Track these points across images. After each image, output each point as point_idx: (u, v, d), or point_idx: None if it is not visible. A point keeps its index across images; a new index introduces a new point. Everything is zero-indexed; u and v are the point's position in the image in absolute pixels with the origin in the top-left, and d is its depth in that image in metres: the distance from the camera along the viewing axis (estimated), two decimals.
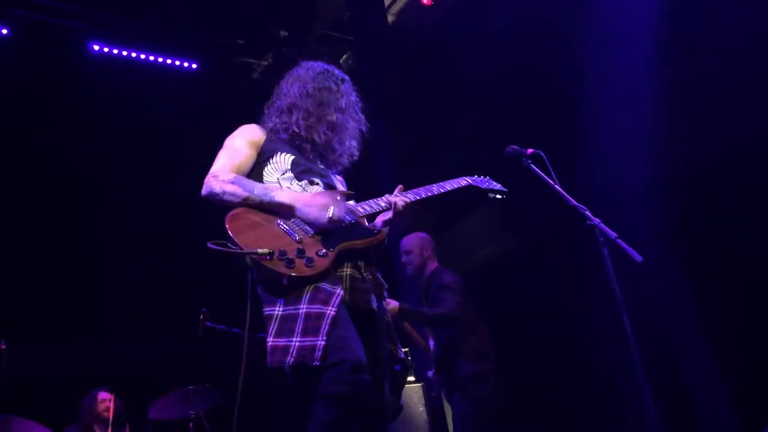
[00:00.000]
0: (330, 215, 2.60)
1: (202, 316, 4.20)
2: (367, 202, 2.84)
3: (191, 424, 4.98)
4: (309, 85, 2.94)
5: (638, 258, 2.65)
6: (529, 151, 3.11)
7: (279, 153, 2.80)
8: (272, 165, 2.77)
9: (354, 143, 3.01)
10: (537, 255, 6.08)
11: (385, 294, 2.78)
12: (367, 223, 2.79)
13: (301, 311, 2.44)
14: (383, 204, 2.83)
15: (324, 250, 2.54)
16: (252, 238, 2.49)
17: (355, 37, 7.27)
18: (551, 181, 2.99)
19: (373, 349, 2.60)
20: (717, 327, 4.94)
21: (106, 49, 6.43)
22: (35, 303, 6.14)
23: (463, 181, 3.20)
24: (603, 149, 5.42)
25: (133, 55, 6.57)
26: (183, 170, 4.29)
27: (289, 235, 2.55)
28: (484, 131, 6.04)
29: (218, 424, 5.06)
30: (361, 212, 2.77)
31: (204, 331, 4.18)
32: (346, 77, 3.09)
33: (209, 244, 2.42)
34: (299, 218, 2.61)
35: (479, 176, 3.33)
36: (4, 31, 5.97)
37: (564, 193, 2.95)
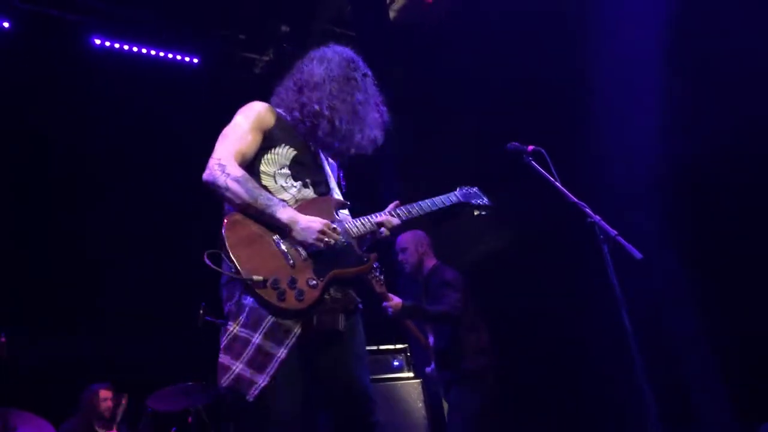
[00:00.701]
0: (329, 243, 2.57)
1: (202, 311, 4.24)
2: (360, 219, 2.80)
3: (190, 418, 4.99)
4: (335, 70, 2.89)
5: (638, 255, 2.64)
6: (530, 147, 3.11)
7: (282, 145, 2.75)
8: (272, 155, 2.73)
9: (377, 133, 2.96)
10: (536, 252, 6.08)
11: (360, 307, 2.76)
12: (357, 247, 2.74)
13: (254, 341, 2.44)
14: (375, 223, 2.80)
15: (315, 280, 2.52)
16: (247, 254, 2.47)
17: (356, 33, 7.27)
18: (552, 178, 2.99)
19: (336, 369, 2.60)
20: (716, 325, 4.95)
21: (107, 43, 6.44)
22: (35, 296, 6.14)
23: (453, 198, 3.18)
24: (604, 148, 5.42)
25: (135, 49, 6.57)
26: (183, 164, 4.28)
27: (284, 257, 2.53)
28: (486, 129, 6.03)
29: (217, 419, 5.07)
30: (354, 233, 2.74)
31: (203, 324, 4.21)
32: (369, 72, 3.05)
33: (205, 257, 2.42)
34: (296, 242, 2.57)
35: (469, 187, 3.32)
36: (6, 24, 5.97)
37: (564, 189, 2.95)
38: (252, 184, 2.59)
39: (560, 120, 5.54)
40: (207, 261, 2.42)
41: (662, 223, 5.23)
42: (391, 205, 2.92)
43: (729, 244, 4.84)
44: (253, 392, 2.39)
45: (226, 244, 2.47)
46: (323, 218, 2.64)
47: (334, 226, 2.62)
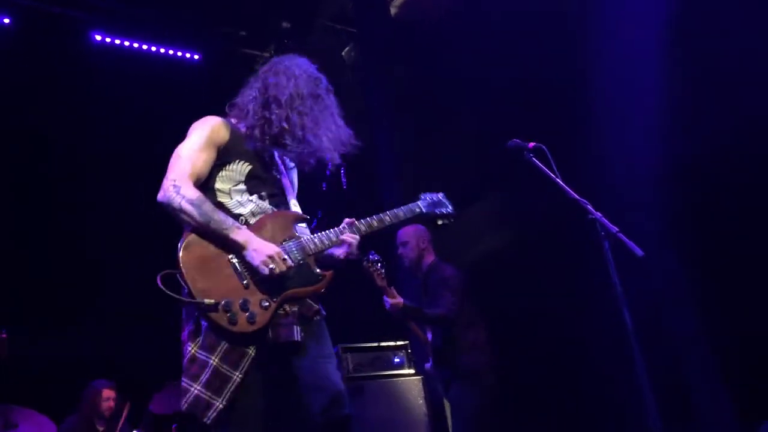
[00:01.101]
0: (274, 271, 2.57)
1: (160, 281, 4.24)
2: (318, 236, 2.79)
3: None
4: (303, 88, 2.89)
5: (639, 252, 2.65)
6: (531, 144, 3.11)
7: (237, 161, 2.76)
8: (227, 172, 2.75)
9: (336, 151, 2.94)
10: (536, 250, 6.08)
11: (323, 313, 2.77)
12: (314, 265, 2.74)
13: (211, 363, 2.49)
14: (333, 239, 2.79)
15: (267, 302, 2.56)
16: (201, 276, 2.50)
17: (357, 29, 7.27)
18: (552, 175, 2.99)
19: (304, 377, 2.59)
20: (717, 324, 4.95)
21: (108, 40, 6.43)
22: (36, 294, 6.15)
23: (416, 209, 3.15)
24: (604, 147, 5.42)
25: (135, 45, 6.56)
26: None
27: (238, 278, 2.56)
28: (486, 127, 6.03)
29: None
30: (311, 250, 2.74)
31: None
32: (332, 88, 3.06)
33: (158, 281, 2.45)
34: (247, 262, 2.59)
35: (433, 194, 3.29)
36: (6, 20, 5.96)
37: (565, 186, 2.95)
38: (207, 206, 2.61)
39: (561, 119, 5.53)
40: (160, 284, 2.44)
41: (663, 222, 5.23)
42: (346, 222, 2.89)
43: (729, 243, 4.84)
44: (210, 415, 2.43)
45: (181, 265, 2.50)
46: (282, 234, 2.69)
47: (285, 256, 2.62)
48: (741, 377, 4.81)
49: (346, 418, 2.59)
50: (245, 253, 2.58)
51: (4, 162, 6.10)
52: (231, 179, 2.75)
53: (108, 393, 5.41)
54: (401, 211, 3.06)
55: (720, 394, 4.98)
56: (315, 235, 2.80)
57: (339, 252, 2.83)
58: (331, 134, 2.91)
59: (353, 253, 2.83)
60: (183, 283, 2.49)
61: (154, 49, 6.66)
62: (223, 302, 2.47)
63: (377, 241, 4.66)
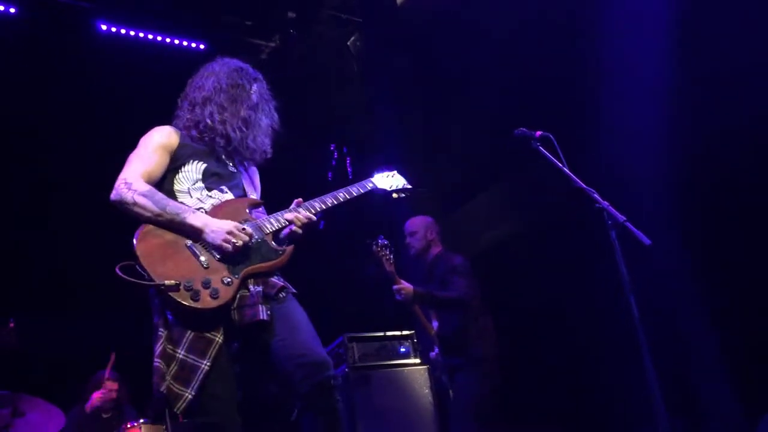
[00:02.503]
0: (235, 244, 2.59)
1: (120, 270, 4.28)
2: (273, 215, 2.84)
3: None
4: (223, 81, 2.98)
5: (647, 241, 2.64)
6: (538, 133, 3.10)
7: (191, 161, 2.82)
8: (183, 173, 2.79)
9: (267, 140, 3.02)
10: (543, 239, 6.07)
11: (291, 290, 2.76)
12: (272, 242, 2.77)
13: (178, 356, 2.52)
14: (287, 219, 2.82)
15: (229, 278, 2.57)
16: (159, 262, 2.51)
17: (363, 18, 7.24)
18: (560, 164, 2.98)
19: (278, 352, 2.59)
20: (724, 314, 4.94)
21: (113, 29, 6.41)
22: (44, 283, 6.18)
23: (369, 185, 3.21)
24: (614, 136, 5.39)
25: (141, 35, 6.54)
26: None
27: (197, 259, 2.57)
28: (493, 115, 6.01)
29: None
30: (267, 229, 2.77)
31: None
32: (260, 76, 3.12)
33: (117, 270, 2.45)
34: (207, 244, 2.62)
35: (386, 170, 3.35)
36: (12, 10, 5.95)
37: (572, 175, 2.94)
38: (160, 196, 2.66)
39: (570, 106, 5.51)
40: (119, 273, 2.45)
41: (670, 213, 5.21)
42: (295, 202, 2.92)
43: (737, 234, 4.83)
44: (181, 405, 2.47)
45: (138, 254, 2.52)
46: (237, 217, 2.71)
47: (244, 226, 2.65)
48: (747, 368, 4.80)
49: (328, 379, 2.56)
50: (205, 235, 2.61)
51: (12, 153, 6.11)
52: (188, 179, 2.80)
53: (111, 385, 5.45)
54: (353, 188, 3.12)
55: (725, 384, 4.97)
56: (269, 216, 2.85)
57: (285, 231, 2.85)
58: (257, 125, 2.97)
59: (296, 231, 2.81)
60: (142, 271, 2.49)
61: (159, 38, 6.65)
62: (184, 282, 2.48)
63: (382, 231, 4.66)
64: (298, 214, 2.83)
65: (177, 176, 2.79)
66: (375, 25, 7.16)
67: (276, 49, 7.14)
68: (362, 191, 3.14)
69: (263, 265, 2.69)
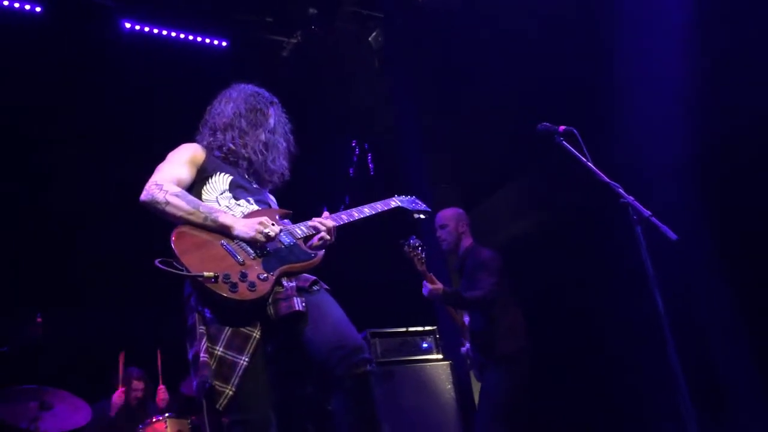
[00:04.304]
0: (270, 234, 2.68)
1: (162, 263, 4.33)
2: (301, 224, 2.94)
3: None
4: (242, 107, 3.07)
5: (673, 236, 2.61)
6: (561, 128, 3.08)
7: (218, 173, 2.90)
8: (211, 184, 2.87)
9: (285, 163, 3.14)
10: (568, 234, 6.03)
11: (324, 286, 2.82)
12: (304, 246, 2.87)
13: (217, 353, 2.55)
14: (314, 226, 2.92)
15: (265, 274, 2.62)
16: (197, 259, 2.56)
17: (384, 14, 7.23)
18: (583, 159, 2.95)
19: (315, 339, 2.63)
20: (749, 306, 4.88)
21: (137, 27, 6.47)
22: (71, 278, 6.26)
23: (393, 203, 3.36)
24: (636, 127, 5.35)
25: (164, 33, 6.60)
26: None
27: (233, 257, 2.62)
28: (513, 110, 5.98)
29: None
30: (298, 234, 2.87)
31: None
32: (275, 99, 3.22)
33: (156, 263, 2.49)
34: (240, 239, 2.68)
35: (406, 196, 3.52)
36: (38, 9, 6.03)
37: (596, 170, 2.92)
38: (191, 197, 2.74)
39: (591, 98, 5.47)
40: (159, 265, 2.48)
41: (694, 205, 5.15)
42: (324, 214, 3.02)
43: (762, 224, 4.76)
44: (223, 401, 2.50)
45: (176, 252, 2.56)
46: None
47: (273, 223, 2.73)
48: None
49: (363, 362, 2.59)
50: (236, 231, 2.68)
51: (38, 150, 6.19)
52: (215, 189, 2.88)
53: (137, 384, 5.51)
54: (378, 204, 3.27)
55: (752, 378, 4.91)
56: (300, 223, 2.95)
57: (314, 239, 2.93)
58: (275, 148, 3.10)
59: (324, 237, 2.91)
60: (180, 266, 2.53)
61: (182, 36, 6.70)
62: (222, 275, 2.52)
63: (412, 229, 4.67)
64: (325, 221, 2.94)
65: (205, 187, 2.86)
66: (396, 20, 7.15)
67: (297, 46, 7.16)
68: (386, 208, 3.29)
69: (297, 265, 2.76)
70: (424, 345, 5.35)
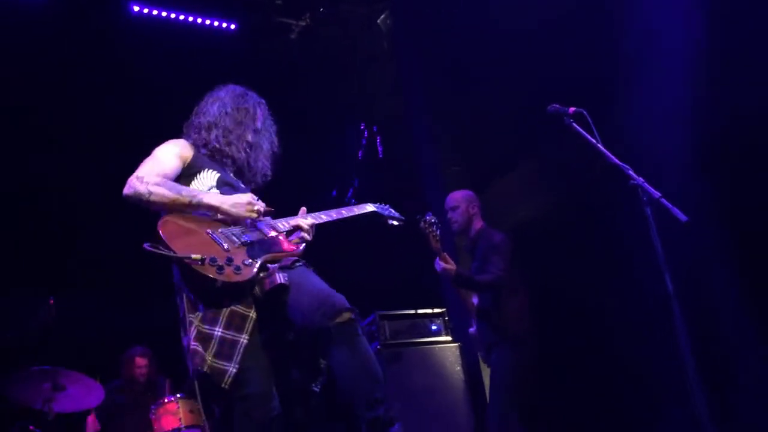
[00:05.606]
0: (260, 210, 2.81)
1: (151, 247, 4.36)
2: (284, 219, 3.02)
3: None
4: (228, 105, 3.13)
5: (683, 218, 2.60)
6: (571, 109, 3.07)
7: (206, 169, 2.96)
8: (199, 180, 2.92)
9: (267, 163, 3.24)
10: (577, 216, 6.01)
11: (300, 262, 2.89)
12: (285, 240, 2.95)
13: (216, 334, 2.64)
14: (294, 224, 3.01)
15: (250, 260, 2.70)
16: (184, 244, 2.62)
17: None
18: (593, 140, 2.94)
19: (300, 301, 2.72)
20: (761, 289, 4.86)
21: (146, 10, 6.47)
22: (84, 261, 6.30)
23: (369, 207, 3.45)
24: (646, 109, 5.31)
25: (173, 15, 6.60)
26: None
27: (218, 244, 2.69)
28: (523, 92, 5.94)
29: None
30: (281, 228, 2.95)
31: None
32: (263, 101, 3.27)
33: (145, 246, 2.57)
34: (229, 215, 2.79)
35: (381, 204, 3.60)
36: None
37: (606, 151, 2.91)
38: (173, 183, 2.81)
39: (600, 80, 5.43)
40: (147, 247, 2.56)
41: (703, 187, 5.12)
42: (301, 212, 3.09)
43: None
44: (227, 380, 2.59)
45: (164, 237, 2.63)
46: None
47: (256, 200, 2.84)
48: None
49: (348, 311, 2.67)
50: (225, 209, 2.77)
51: (46, 135, 6.22)
52: (203, 185, 2.94)
53: (140, 361, 5.59)
54: (355, 207, 3.36)
55: (763, 361, 4.90)
56: (281, 219, 3.03)
57: (294, 235, 3.01)
58: (260, 148, 3.17)
59: (304, 237, 2.99)
60: (167, 251, 2.60)
61: (191, 19, 6.69)
62: (208, 258, 2.59)
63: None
64: (304, 220, 3.02)
65: (192, 182, 2.92)
66: (405, 2, 7.11)
67: (306, 28, 7.12)
68: (362, 212, 3.38)
69: (279, 254, 2.85)
70: (433, 327, 5.37)
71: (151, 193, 2.74)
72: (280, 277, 2.71)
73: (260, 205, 2.82)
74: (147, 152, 3.02)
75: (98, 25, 6.32)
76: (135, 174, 2.83)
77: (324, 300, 2.69)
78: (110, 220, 6.27)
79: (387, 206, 3.65)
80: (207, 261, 2.57)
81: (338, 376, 2.68)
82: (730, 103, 4.91)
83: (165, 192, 2.74)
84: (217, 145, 3.04)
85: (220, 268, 2.58)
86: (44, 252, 6.15)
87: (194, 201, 2.75)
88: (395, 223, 3.58)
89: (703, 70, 4.93)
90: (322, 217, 3.12)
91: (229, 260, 2.63)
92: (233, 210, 2.77)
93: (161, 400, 4.85)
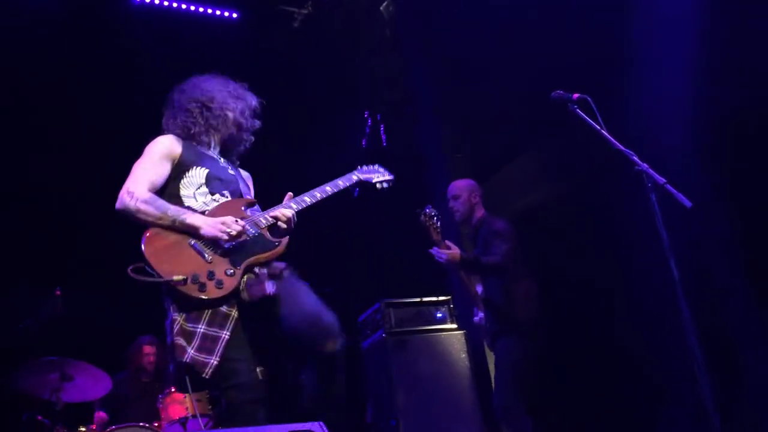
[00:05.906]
0: (229, 233, 2.82)
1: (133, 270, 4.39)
2: (267, 212, 3.05)
3: None
4: (202, 85, 3.24)
5: (688, 204, 2.60)
6: (575, 96, 3.06)
7: (194, 167, 3.03)
8: (188, 179, 3.01)
9: (245, 135, 3.28)
10: (582, 203, 6.00)
11: (288, 271, 2.97)
12: (269, 234, 3.00)
13: (199, 331, 2.76)
14: (273, 216, 3.03)
15: (232, 269, 2.80)
16: (167, 261, 2.74)
17: None
18: (597, 126, 2.93)
19: (287, 319, 2.85)
20: (765, 275, 4.85)
21: (147, 0, 6.45)
22: (90, 252, 6.32)
23: (354, 177, 3.40)
24: (650, 95, 5.29)
25: (175, 5, 6.58)
26: None
27: (201, 255, 2.80)
28: (527, 78, 5.92)
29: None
30: (262, 224, 2.99)
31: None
32: (245, 84, 3.35)
33: (129, 271, 2.68)
34: (206, 239, 2.85)
35: (367, 165, 3.55)
36: None
37: (611, 137, 2.90)
38: (160, 201, 2.89)
39: (604, 67, 5.41)
40: (131, 274, 2.67)
41: (709, 173, 5.11)
42: (286, 197, 3.12)
43: None
44: (208, 371, 2.72)
45: (146, 256, 2.74)
46: (234, 216, 2.93)
47: (236, 219, 2.89)
48: None
49: (336, 341, 2.83)
50: (202, 231, 2.83)
51: (50, 126, 6.22)
52: (193, 184, 3.01)
53: (148, 349, 5.63)
54: (340, 180, 3.33)
55: (765, 343, 4.91)
56: (264, 211, 3.06)
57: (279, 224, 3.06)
58: (246, 123, 3.24)
59: (282, 225, 3.02)
60: (151, 271, 2.71)
61: (192, 8, 6.68)
62: (190, 276, 2.71)
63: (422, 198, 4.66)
64: (283, 210, 3.03)
65: (182, 181, 3.00)
66: None
67: (309, 16, 7.10)
68: (348, 184, 3.35)
69: (262, 255, 2.93)
70: (439, 315, 5.38)
71: (138, 210, 2.86)
72: (269, 287, 2.82)
73: (234, 228, 2.84)
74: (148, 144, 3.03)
75: (100, 14, 6.31)
76: (125, 186, 2.93)
77: (314, 322, 2.83)
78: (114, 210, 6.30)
79: (375, 166, 3.59)
80: (189, 281, 2.69)
81: (306, 398, 2.87)
82: (736, 89, 4.89)
83: (151, 211, 2.84)
84: (202, 123, 3.13)
85: (202, 286, 2.70)
86: (51, 244, 6.17)
87: (177, 221, 2.84)
88: (385, 185, 3.54)
89: (706, 57, 4.91)
90: (306, 199, 3.13)
91: (211, 274, 2.74)
92: (208, 231, 2.83)
93: (168, 390, 4.88)
